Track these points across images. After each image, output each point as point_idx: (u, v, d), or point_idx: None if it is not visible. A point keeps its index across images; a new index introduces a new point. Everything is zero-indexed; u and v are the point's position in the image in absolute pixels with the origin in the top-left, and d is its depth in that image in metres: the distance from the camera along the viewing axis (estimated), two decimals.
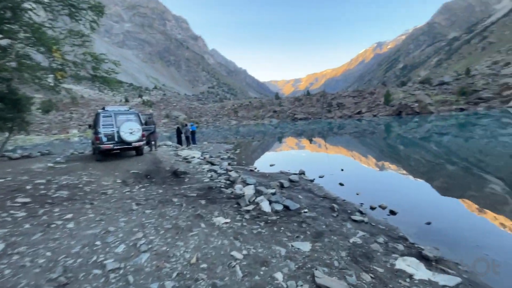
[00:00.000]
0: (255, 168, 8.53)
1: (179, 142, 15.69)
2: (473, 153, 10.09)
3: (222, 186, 5.53)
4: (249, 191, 4.79)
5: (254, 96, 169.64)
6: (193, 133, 16.84)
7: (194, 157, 9.56)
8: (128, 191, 5.31)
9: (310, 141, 19.56)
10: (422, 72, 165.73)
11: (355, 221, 3.78)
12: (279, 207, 4.13)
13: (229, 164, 9.38)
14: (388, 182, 6.85)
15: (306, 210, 4.09)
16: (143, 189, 5.48)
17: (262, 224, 3.53)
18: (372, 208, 4.52)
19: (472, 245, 3.19)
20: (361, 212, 4.19)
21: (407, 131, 20.59)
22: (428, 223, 3.80)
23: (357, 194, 5.30)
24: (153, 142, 10.84)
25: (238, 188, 5.19)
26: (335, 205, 4.33)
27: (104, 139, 8.10)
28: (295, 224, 3.54)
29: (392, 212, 4.28)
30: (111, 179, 6.30)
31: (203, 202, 4.47)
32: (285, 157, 12.34)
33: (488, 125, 20.48)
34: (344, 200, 4.91)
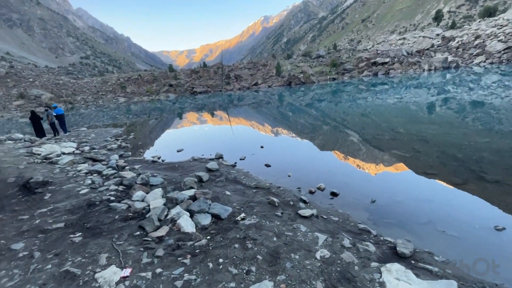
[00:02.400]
0: (159, 158, 6.74)
1: (38, 133, 11.22)
2: (342, 114, 12.78)
3: (112, 197, 3.71)
4: (156, 201, 3.28)
5: (144, 69, 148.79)
6: (60, 117, 12.44)
7: (62, 153, 6.69)
8: None
9: (212, 115, 18.53)
10: (302, 46, 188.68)
11: (305, 217, 3.06)
12: (206, 220, 2.91)
13: (121, 156, 7.13)
14: (308, 154, 6.68)
15: (243, 215, 3.05)
16: None
17: (187, 260, 2.25)
18: (311, 193, 3.98)
19: (424, 221, 3.07)
20: (304, 202, 3.55)
21: (296, 99, 22.88)
22: (373, 201, 3.56)
23: (289, 176, 4.71)
24: None
25: (137, 197, 3.55)
26: (273, 198, 3.50)
27: None
28: (236, 245, 2.45)
29: (334, 194, 3.86)
30: None
31: (77, 238, 2.69)
32: (193, 136, 10.80)
33: (350, 91, 25.37)
34: (279, 187, 4.17)
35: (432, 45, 55.16)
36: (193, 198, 3.49)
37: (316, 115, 13.60)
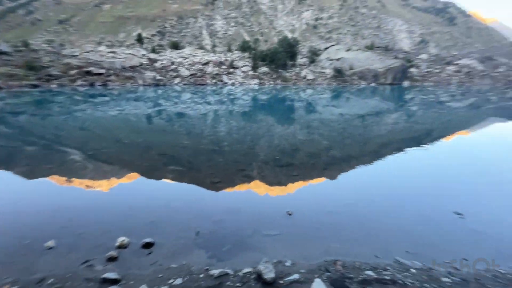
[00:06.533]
0: None
1: None
2: (54, 130, 11.47)
3: None
4: None
5: None
6: None
7: None
8: None
9: None
10: None
11: None
12: None
13: None
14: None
15: None
16: None
17: None
18: (112, 260, 2.47)
19: (249, 233, 3.06)
20: None
21: None
22: (198, 233, 2.95)
23: (49, 249, 2.59)
24: None
25: None
26: None
27: None
28: None
29: (147, 245, 2.67)
30: None
31: None
32: None
33: (64, 102, 21.82)
34: None
35: (141, 64, 61.71)
36: None
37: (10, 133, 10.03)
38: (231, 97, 26.16)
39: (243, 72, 49.48)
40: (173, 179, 5.18)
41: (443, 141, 11.02)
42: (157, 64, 60.68)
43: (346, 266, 2.78)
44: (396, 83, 46.56)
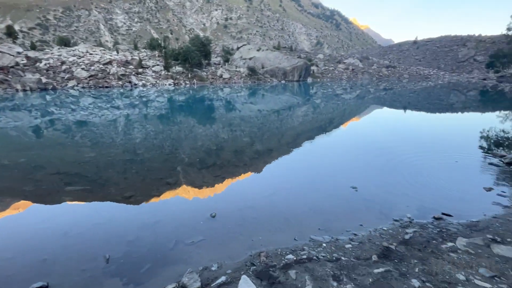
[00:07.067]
0: None
1: None
2: None
3: None
4: None
5: None
6: None
7: None
8: None
9: None
10: None
11: None
12: None
13: None
14: None
15: None
16: None
17: None
18: None
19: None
20: None
21: None
22: (108, 259, 2.47)
23: None
24: None
25: None
26: None
27: None
28: None
29: None
30: None
31: None
32: None
33: None
34: None
35: (17, 63, 49.31)
36: None
37: None
38: (144, 99, 23.91)
39: (155, 72, 45.93)
40: (73, 201, 4.34)
41: (342, 127, 13.13)
42: (42, 64, 49.71)
43: (269, 256, 2.98)
44: (302, 80, 52.42)
